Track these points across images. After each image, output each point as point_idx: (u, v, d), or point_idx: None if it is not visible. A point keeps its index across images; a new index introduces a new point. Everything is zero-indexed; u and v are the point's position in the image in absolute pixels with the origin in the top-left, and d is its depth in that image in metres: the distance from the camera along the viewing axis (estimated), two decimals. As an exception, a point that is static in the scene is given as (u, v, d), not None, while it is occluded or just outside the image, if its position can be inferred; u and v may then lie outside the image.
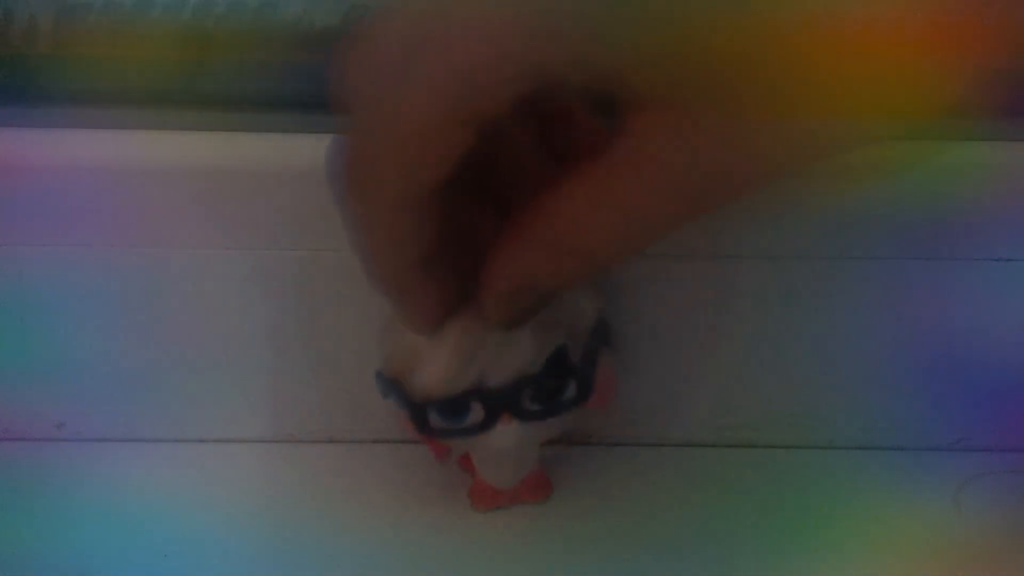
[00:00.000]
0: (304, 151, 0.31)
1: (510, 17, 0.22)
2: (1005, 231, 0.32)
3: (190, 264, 0.32)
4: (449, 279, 0.27)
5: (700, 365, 0.34)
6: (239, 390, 0.34)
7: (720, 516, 0.33)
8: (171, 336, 0.33)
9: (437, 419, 0.29)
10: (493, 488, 0.32)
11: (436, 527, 0.32)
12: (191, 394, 0.34)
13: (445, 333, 0.28)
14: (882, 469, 0.35)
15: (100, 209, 0.31)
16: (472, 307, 0.28)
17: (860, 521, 0.33)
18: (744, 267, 0.33)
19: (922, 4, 0.20)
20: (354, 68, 0.24)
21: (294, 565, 0.31)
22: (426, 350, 0.28)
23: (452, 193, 0.24)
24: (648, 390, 0.34)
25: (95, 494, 0.33)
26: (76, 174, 0.31)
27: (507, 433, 0.29)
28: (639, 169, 0.23)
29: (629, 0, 0.21)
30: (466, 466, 0.33)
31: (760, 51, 0.20)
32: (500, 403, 0.29)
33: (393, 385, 0.29)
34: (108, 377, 0.34)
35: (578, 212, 0.24)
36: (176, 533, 0.32)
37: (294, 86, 0.32)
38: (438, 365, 0.28)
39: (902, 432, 0.35)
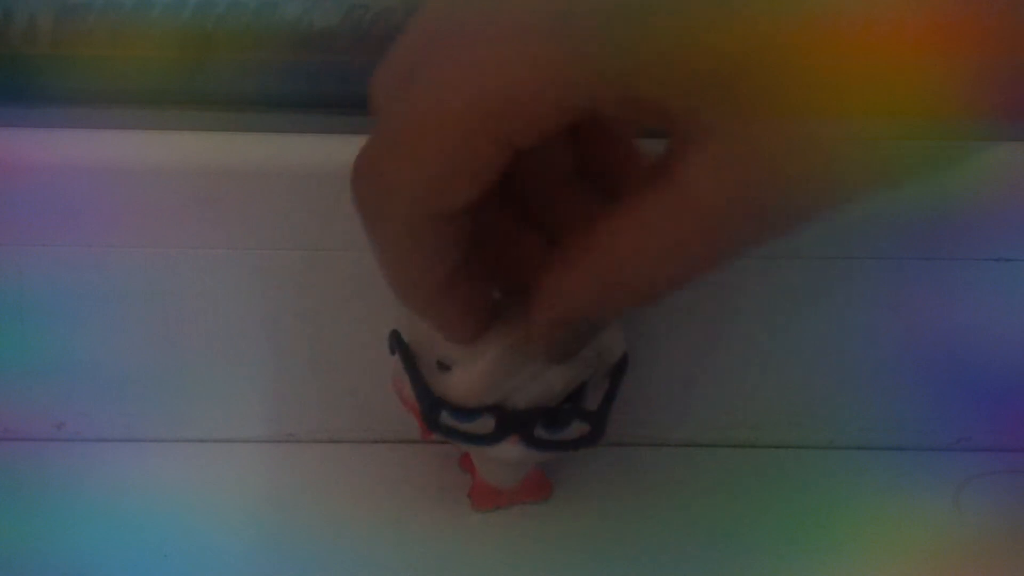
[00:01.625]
0: (304, 151, 0.31)
1: (553, 35, 0.20)
2: (1005, 231, 0.32)
3: (190, 264, 0.32)
4: (478, 290, 0.26)
5: (700, 365, 0.34)
6: (239, 390, 0.34)
7: (720, 516, 0.33)
8: (171, 336, 0.33)
9: (448, 417, 0.29)
10: (493, 488, 0.32)
11: (436, 527, 0.32)
12: (191, 394, 0.34)
13: (484, 347, 0.27)
14: (882, 469, 0.35)
15: (100, 209, 0.31)
16: (513, 325, 0.27)
17: (860, 521, 0.33)
18: (744, 267, 0.32)
19: (922, 4, 0.20)
20: (381, 73, 0.22)
21: (294, 565, 0.31)
22: (460, 355, 0.27)
23: (480, 207, 0.23)
24: (649, 390, 0.34)
25: (95, 494, 0.33)
26: (76, 174, 0.31)
27: (511, 450, 0.29)
28: (690, 205, 0.22)
29: (665, 24, 0.20)
30: (466, 466, 0.33)
31: (773, 57, 0.20)
32: (513, 425, 0.29)
33: (408, 356, 0.29)
34: (108, 377, 0.34)
35: (629, 247, 0.23)
36: (176, 533, 0.32)
37: (294, 86, 0.32)
38: (470, 377, 0.27)
39: (902, 432, 0.35)
